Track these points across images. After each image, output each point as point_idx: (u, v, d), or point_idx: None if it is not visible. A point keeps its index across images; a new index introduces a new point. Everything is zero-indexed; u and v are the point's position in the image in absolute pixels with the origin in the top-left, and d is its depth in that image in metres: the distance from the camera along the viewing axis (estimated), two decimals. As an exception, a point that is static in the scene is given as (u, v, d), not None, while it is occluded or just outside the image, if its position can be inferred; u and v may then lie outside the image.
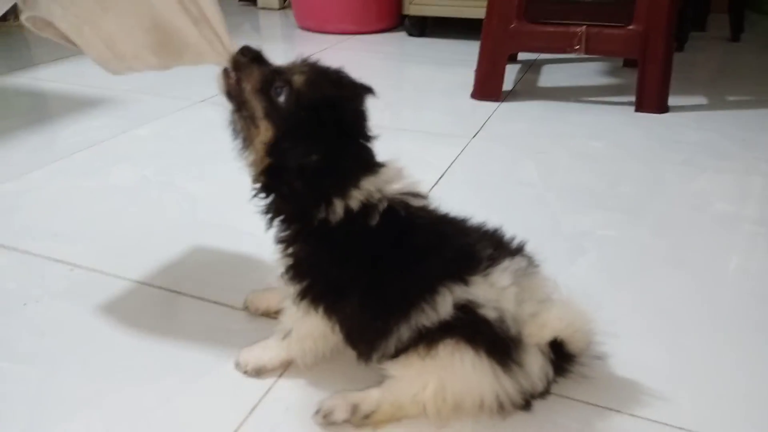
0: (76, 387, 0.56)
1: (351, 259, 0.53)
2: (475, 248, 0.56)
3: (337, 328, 0.55)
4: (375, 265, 0.53)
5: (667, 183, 0.98)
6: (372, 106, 0.56)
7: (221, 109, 1.42)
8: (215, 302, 0.67)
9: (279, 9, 2.40)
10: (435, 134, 1.16)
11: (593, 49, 1.28)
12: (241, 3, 2.52)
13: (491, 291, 0.53)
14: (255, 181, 0.56)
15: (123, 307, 0.67)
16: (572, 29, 1.27)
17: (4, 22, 2.09)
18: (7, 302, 0.67)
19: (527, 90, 1.47)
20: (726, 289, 0.71)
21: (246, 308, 0.66)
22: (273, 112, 0.53)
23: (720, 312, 0.67)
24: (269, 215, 0.56)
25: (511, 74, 1.46)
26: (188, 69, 1.72)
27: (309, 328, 0.56)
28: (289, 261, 0.55)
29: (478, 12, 1.84)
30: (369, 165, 0.54)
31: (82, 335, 0.62)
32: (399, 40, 2.02)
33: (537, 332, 0.54)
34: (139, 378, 0.57)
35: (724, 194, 0.94)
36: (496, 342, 0.52)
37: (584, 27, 1.26)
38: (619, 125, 1.23)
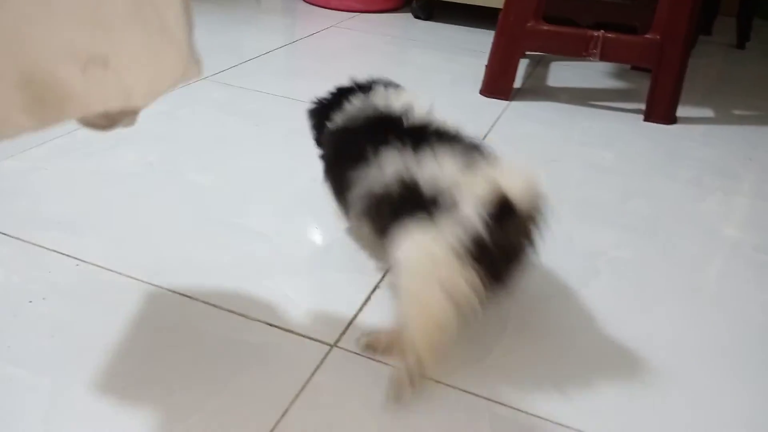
0: (91, 400, 0.54)
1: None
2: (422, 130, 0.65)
3: None
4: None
5: (676, 202, 0.98)
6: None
7: (226, 89, 1.39)
8: (229, 311, 0.66)
9: (281, -22, 2.32)
10: (445, 132, 1.14)
11: (609, 56, 1.26)
12: (242, -31, 2.43)
13: (435, 165, 0.58)
14: None
15: (133, 311, 0.65)
16: (589, 33, 1.25)
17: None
18: (12, 298, 0.65)
19: (536, 89, 1.45)
20: (733, 323, 0.72)
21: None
22: None
23: (726, 344, 0.68)
24: None
25: (519, 70, 1.44)
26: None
27: None
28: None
29: (488, 0, 1.82)
30: None
31: (93, 340, 0.61)
32: (405, 22, 1.98)
33: (475, 185, 0.55)
34: (153, 391, 0.55)
35: (733, 219, 0.95)
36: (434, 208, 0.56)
37: (601, 32, 1.24)
38: (629, 135, 1.22)
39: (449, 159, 0.59)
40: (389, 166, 0.61)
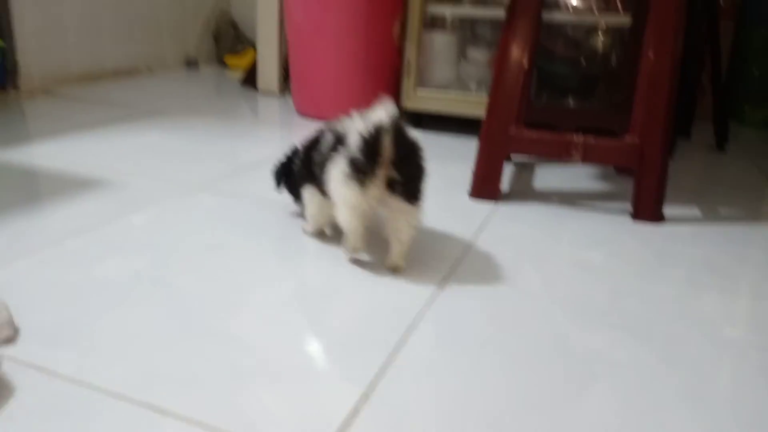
0: None
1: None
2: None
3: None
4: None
5: (670, 301, 0.96)
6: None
7: (218, 196, 1.41)
8: (204, 427, 0.62)
9: (279, 94, 2.46)
10: (438, 234, 1.15)
11: (590, 158, 1.30)
12: (243, 86, 2.57)
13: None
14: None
15: (103, 429, 0.61)
16: (569, 138, 1.30)
17: (3, 91, 2.09)
18: (-25, 418, 0.61)
19: (523, 191, 1.48)
20: (745, 430, 0.67)
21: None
22: None
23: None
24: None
25: (506, 174, 1.48)
26: (188, 153, 1.71)
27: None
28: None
29: (475, 110, 1.90)
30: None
31: (56, 462, 0.56)
32: (395, 131, 2.05)
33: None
34: None
35: (730, 318, 0.92)
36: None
37: (582, 137, 1.29)
38: (617, 234, 1.23)
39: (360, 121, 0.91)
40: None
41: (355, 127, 0.90)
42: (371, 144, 0.87)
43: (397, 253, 0.96)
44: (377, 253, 1.03)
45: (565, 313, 0.90)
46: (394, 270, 0.97)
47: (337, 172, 0.90)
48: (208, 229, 1.13)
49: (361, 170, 0.87)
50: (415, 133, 0.95)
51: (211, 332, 0.79)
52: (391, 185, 0.89)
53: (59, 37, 2.32)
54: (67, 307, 0.83)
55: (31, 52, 2.20)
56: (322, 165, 0.96)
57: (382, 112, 0.90)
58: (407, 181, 0.91)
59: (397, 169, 0.89)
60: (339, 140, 0.92)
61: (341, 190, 0.90)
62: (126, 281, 0.91)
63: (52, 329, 0.78)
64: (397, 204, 0.91)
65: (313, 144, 1.04)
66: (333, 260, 1.03)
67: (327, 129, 1.01)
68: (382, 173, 0.88)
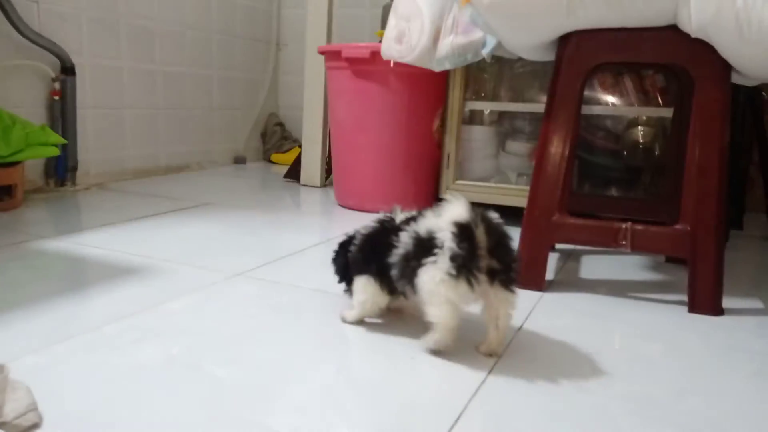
0: None
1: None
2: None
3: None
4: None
5: (742, 399, 0.87)
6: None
7: (258, 284, 1.41)
8: None
9: (321, 186, 2.52)
10: (481, 323, 1.10)
11: (640, 247, 1.25)
12: (286, 180, 2.66)
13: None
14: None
15: None
16: (616, 225, 1.26)
17: (62, 186, 2.21)
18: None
19: (570, 281, 1.42)
20: None
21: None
22: None
23: None
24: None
25: (551, 263, 1.43)
26: (231, 242, 1.72)
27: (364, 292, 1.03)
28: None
29: (515, 200, 1.89)
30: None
31: None
32: (435, 222, 2.05)
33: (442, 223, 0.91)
34: None
35: (814, 419, 0.83)
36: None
37: (629, 224, 1.25)
38: (674, 327, 1.15)
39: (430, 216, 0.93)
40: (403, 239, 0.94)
41: (438, 225, 0.89)
42: (470, 237, 0.86)
43: (494, 339, 0.95)
44: (414, 334, 0.98)
45: (624, 410, 0.83)
46: (491, 355, 0.96)
47: (438, 274, 0.86)
48: (245, 316, 1.11)
49: (467, 266, 0.85)
50: (498, 218, 0.93)
51: (244, 424, 0.75)
52: (491, 275, 0.88)
53: (118, 137, 2.48)
54: (98, 392, 0.81)
55: (91, 151, 2.34)
56: (404, 268, 0.93)
57: (460, 205, 0.90)
58: (505, 268, 0.90)
59: (493, 257, 0.88)
60: (423, 243, 0.90)
61: (445, 291, 0.87)
62: (160, 367, 0.89)
63: (81, 415, 0.75)
64: (496, 293, 0.90)
65: (375, 235, 1.02)
66: (372, 348, 0.99)
67: (395, 224, 0.99)
68: (484, 264, 0.87)
